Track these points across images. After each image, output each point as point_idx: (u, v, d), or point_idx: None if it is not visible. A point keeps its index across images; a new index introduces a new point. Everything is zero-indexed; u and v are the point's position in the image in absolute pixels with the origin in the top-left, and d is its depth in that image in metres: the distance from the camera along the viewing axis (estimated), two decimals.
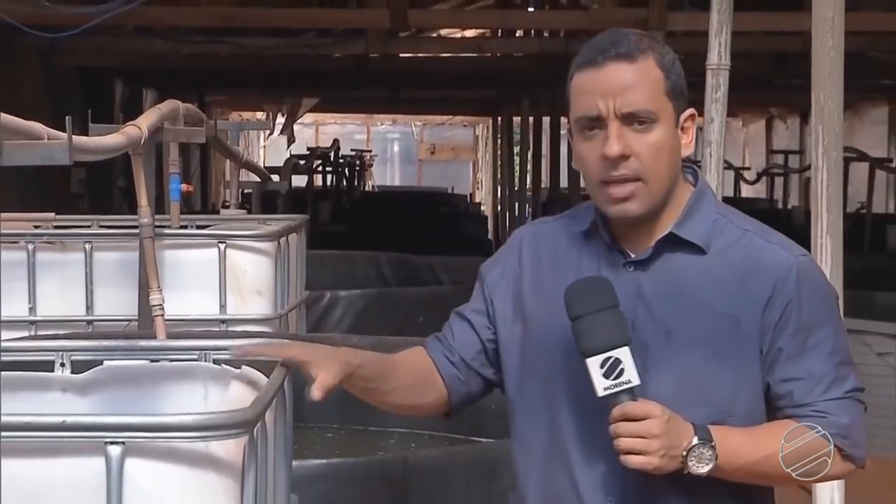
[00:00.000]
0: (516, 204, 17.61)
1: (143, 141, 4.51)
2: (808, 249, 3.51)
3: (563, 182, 13.95)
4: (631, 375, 2.32)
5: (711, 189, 2.65)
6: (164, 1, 7.24)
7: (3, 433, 2.31)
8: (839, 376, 2.49)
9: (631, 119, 2.41)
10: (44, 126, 3.67)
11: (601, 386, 2.33)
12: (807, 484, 3.46)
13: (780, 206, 18.99)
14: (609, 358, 2.32)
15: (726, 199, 6.36)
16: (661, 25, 8.35)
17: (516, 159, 18.35)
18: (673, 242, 2.48)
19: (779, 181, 19.88)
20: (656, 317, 2.43)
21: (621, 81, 2.41)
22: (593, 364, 2.33)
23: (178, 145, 5.60)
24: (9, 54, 9.57)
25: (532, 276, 2.58)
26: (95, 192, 12.01)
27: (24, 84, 10.08)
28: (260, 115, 23.56)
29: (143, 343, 3.50)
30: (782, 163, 19.67)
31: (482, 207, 26.40)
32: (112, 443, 2.27)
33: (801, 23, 6.25)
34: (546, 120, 16.12)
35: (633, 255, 2.49)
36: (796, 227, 13.01)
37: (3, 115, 3.46)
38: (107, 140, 4.36)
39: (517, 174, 17.82)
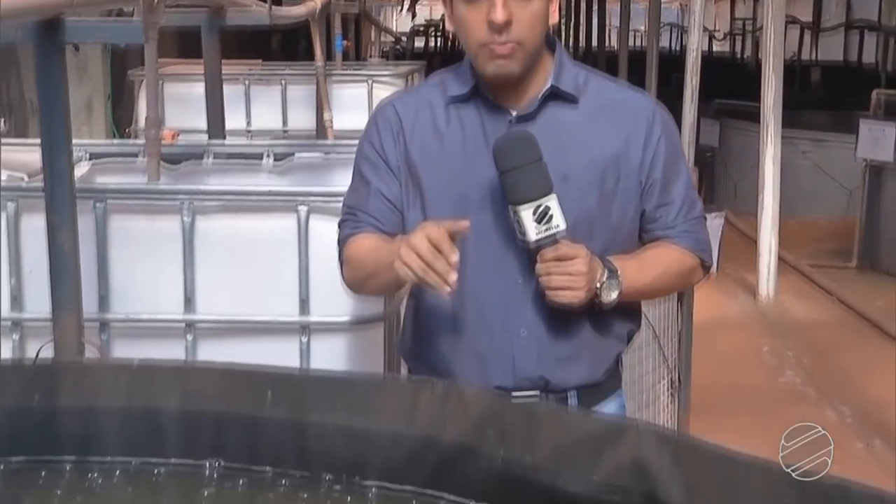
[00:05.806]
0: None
1: (317, 11, 4.64)
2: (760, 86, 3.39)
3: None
4: (559, 221, 1.76)
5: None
6: None
7: (233, 196, 2.35)
8: (693, 199, 1.99)
9: None
10: (256, 1, 3.73)
11: (534, 232, 1.75)
12: (677, 291, 2.81)
13: (738, 56, 18.87)
14: (540, 206, 1.75)
15: (703, 53, 6.17)
16: None
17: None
18: (551, 96, 1.87)
19: (738, 39, 19.56)
20: (551, 164, 1.78)
21: None
22: (526, 212, 1.75)
23: (340, 15, 5.63)
24: None
25: (417, 147, 1.88)
26: (288, 48, 11.93)
27: None
28: None
29: (320, 143, 3.68)
30: (741, 27, 19.44)
31: None
32: (301, 204, 2.30)
33: None
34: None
35: (514, 112, 1.86)
36: (749, 70, 12.76)
37: None
38: (294, 10, 4.51)
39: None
